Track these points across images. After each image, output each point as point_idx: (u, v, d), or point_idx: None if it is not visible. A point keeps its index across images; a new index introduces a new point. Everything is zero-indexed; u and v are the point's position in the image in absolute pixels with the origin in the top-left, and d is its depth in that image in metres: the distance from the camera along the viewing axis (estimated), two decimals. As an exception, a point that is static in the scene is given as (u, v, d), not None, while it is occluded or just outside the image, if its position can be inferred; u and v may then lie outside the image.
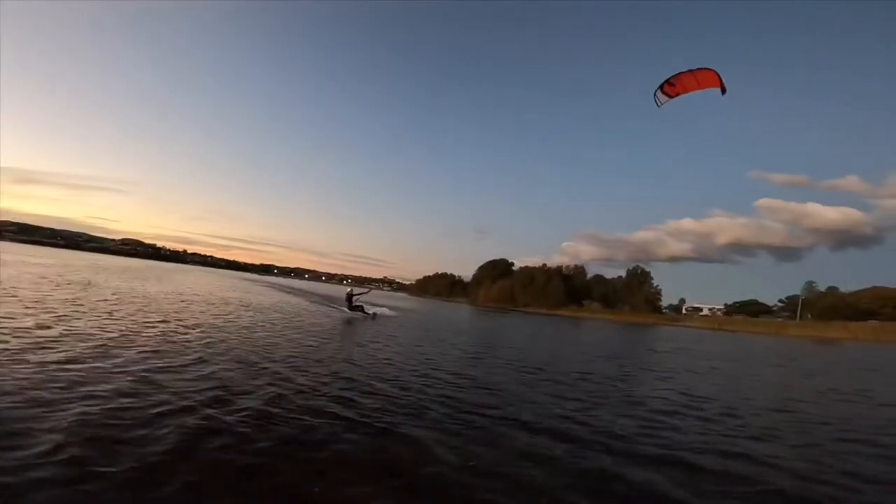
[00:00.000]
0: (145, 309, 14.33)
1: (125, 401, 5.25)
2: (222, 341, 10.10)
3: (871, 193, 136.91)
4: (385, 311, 26.44)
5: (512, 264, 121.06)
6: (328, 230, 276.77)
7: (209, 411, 5.23)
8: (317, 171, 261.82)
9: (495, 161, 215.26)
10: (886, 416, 8.99)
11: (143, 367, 6.91)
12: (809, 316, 79.86)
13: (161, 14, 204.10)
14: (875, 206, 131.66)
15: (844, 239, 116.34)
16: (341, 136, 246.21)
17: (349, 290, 24.14)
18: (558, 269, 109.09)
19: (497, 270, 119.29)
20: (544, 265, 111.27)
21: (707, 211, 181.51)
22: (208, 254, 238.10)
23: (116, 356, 7.37)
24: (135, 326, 10.62)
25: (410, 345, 13.61)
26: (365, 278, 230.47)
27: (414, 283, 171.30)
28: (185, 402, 5.44)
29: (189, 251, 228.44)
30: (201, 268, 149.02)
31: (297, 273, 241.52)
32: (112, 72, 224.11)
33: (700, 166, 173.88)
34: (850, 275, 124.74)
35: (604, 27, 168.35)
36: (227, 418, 5.08)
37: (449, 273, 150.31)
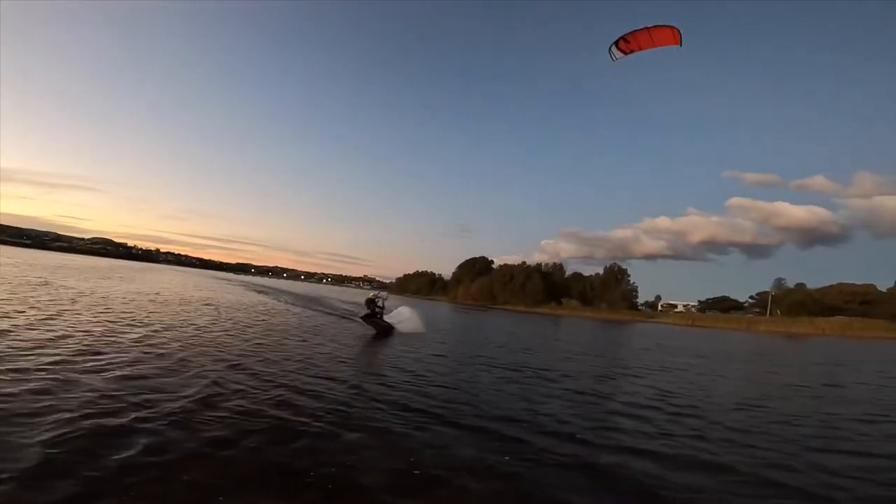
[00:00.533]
0: (97, 309, 13.62)
1: (44, 398, 4.88)
2: (173, 342, 9.59)
3: (838, 193, 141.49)
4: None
5: (491, 262, 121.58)
6: (308, 229, 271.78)
7: (134, 413, 4.83)
8: (297, 170, 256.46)
9: (479, 158, 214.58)
10: (852, 412, 9.06)
11: (78, 367, 6.43)
12: (779, 312, 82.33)
13: (140, 8, 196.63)
14: (841, 206, 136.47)
15: (812, 237, 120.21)
16: (322, 135, 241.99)
17: (372, 293, 17.82)
18: (537, 267, 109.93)
19: (477, 268, 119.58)
20: (523, 263, 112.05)
21: (682, 209, 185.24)
22: (182, 253, 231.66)
23: (51, 355, 6.86)
24: (81, 326, 10.01)
25: (384, 343, 13.26)
26: (345, 277, 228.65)
27: (394, 281, 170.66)
28: (111, 403, 5.03)
29: (162, 250, 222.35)
30: (174, 267, 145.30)
31: (276, 272, 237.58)
32: (85, 66, 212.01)
33: (676, 166, 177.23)
34: (818, 272, 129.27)
35: (590, 26, 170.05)
36: (156, 420, 4.69)
37: (429, 271, 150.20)
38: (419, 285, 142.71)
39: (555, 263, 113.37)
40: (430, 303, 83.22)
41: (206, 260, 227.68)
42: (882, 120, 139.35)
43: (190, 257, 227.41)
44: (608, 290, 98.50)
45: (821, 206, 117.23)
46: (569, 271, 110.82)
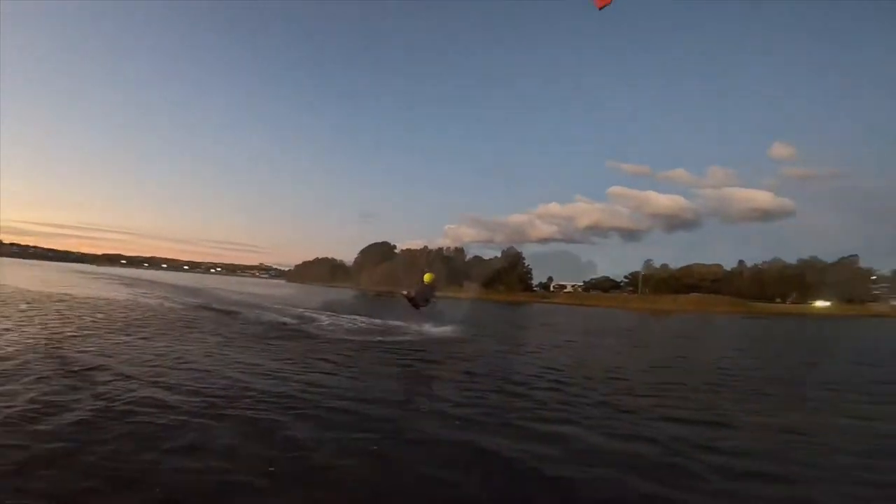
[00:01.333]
0: None
1: None
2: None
3: (695, 184, 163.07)
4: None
5: (394, 247, 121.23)
6: (193, 216, 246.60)
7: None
8: (180, 149, 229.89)
9: (381, 143, 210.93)
10: (699, 381, 10.39)
11: None
12: (647, 291, 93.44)
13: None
14: (697, 195, 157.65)
15: (674, 223, 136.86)
16: (210, 111, 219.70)
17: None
18: (439, 252, 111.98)
19: (379, 254, 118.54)
20: (426, 248, 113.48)
21: (571, 196, 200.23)
22: (27, 244, 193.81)
23: None
24: None
25: (272, 335, 12.37)
26: (238, 266, 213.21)
27: (292, 268, 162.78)
28: None
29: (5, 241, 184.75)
30: (19, 260, 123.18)
31: (153, 263, 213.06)
32: None
33: (567, 154, 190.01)
34: (679, 254, 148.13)
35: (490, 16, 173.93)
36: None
37: (330, 257, 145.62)
38: (320, 273, 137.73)
39: (456, 248, 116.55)
40: (334, 290, 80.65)
41: (60, 251, 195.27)
42: (733, 117, 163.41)
43: (39, 248, 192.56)
44: (506, 273, 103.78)
45: (681, 195, 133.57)
46: (470, 255, 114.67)
